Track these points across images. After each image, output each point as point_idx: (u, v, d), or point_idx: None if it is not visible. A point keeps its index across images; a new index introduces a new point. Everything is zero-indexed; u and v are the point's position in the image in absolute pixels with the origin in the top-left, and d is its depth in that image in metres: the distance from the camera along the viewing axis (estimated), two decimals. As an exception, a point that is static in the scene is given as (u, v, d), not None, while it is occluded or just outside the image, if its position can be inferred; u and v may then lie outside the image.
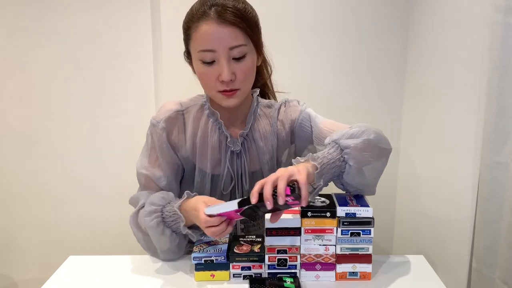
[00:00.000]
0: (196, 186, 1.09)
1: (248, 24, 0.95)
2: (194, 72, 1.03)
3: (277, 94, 1.21)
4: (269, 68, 1.13)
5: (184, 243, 1.03)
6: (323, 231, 0.90)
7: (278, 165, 1.12)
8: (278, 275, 0.92)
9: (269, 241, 0.91)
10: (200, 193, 1.04)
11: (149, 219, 0.97)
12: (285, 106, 1.12)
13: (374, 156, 0.94)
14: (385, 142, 0.98)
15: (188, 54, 1.03)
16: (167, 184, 1.06)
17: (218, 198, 1.08)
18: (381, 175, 0.99)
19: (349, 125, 1.01)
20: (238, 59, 0.95)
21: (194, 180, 1.08)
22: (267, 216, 0.89)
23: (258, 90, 1.11)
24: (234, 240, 0.98)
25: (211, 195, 1.06)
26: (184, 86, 1.20)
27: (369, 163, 0.93)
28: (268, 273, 0.92)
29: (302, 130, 1.10)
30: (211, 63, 0.95)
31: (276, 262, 0.92)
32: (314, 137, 1.07)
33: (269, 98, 1.19)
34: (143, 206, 1.00)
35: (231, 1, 0.94)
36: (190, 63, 1.03)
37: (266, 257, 0.92)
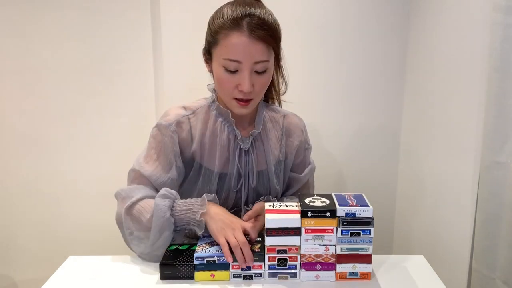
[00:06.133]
0: (201, 186, 1.09)
1: (275, 40, 0.99)
2: (209, 71, 1.05)
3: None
4: (284, 85, 1.16)
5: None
6: (323, 231, 0.90)
7: (286, 168, 1.17)
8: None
9: (269, 241, 0.91)
10: (207, 192, 1.05)
11: (160, 200, 0.98)
12: (287, 121, 1.16)
13: None
14: None
15: (208, 53, 1.03)
16: (161, 185, 1.04)
17: (227, 196, 1.10)
18: None
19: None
20: (259, 73, 0.98)
21: (199, 180, 1.08)
22: (267, 216, 0.90)
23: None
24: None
25: (217, 194, 1.07)
26: (184, 86, 1.20)
27: None
28: (268, 273, 0.93)
29: (295, 155, 1.18)
30: (233, 72, 0.97)
31: (276, 262, 0.92)
32: (294, 165, 1.19)
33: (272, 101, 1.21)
34: (140, 199, 1.01)
35: (262, 13, 0.97)
36: (207, 60, 1.04)
37: (266, 257, 0.92)
